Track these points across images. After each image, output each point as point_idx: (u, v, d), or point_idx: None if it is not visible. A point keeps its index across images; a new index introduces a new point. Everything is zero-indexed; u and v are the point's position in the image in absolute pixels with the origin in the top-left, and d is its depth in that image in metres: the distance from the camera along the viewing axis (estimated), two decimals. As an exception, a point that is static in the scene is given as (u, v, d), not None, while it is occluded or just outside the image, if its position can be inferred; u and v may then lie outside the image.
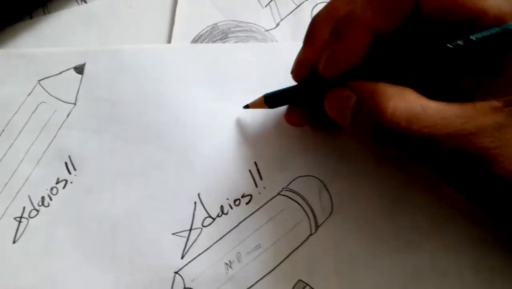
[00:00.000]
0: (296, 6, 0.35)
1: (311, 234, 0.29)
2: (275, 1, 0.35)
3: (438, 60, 0.23)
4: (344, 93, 0.24)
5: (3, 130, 0.29)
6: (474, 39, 0.22)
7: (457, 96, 0.22)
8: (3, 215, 0.28)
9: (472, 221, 0.29)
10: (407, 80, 0.23)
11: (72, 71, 0.31)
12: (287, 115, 0.30)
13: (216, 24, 0.33)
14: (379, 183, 0.30)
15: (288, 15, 0.35)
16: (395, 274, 0.29)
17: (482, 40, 0.22)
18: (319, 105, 0.27)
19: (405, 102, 0.22)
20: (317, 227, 0.30)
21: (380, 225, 0.30)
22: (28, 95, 0.30)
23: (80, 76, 0.30)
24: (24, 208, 0.28)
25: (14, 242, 0.28)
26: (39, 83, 0.30)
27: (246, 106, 0.30)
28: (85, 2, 0.33)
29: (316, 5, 0.35)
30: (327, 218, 0.30)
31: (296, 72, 0.28)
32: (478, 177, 0.21)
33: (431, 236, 0.29)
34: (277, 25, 0.34)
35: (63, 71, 0.31)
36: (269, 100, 0.29)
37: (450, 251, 0.29)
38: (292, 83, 0.29)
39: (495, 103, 0.21)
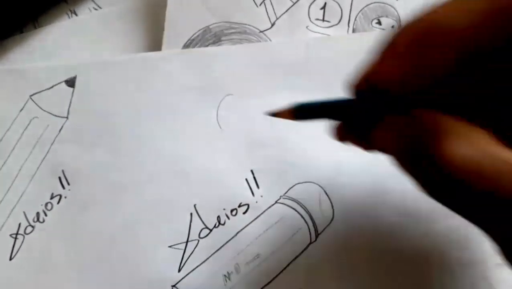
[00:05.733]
0: (293, 3, 0.33)
1: (311, 242, 0.29)
2: (270, -1, 0.33)
3: None
4: (403, 121, 0.19)
5: (-4, 147, 0.29)
6: None
7: None
8: (-1, 233, 0.28)
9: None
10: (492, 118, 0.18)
11: (63, 84, 0.30)
12: (339, 133, 0.23)
13: (208, 26, 0.32)
14: (385, 187, 0.29)
15: (284, 13, 0.33)
16: (404, 285, 0.28)
17: None
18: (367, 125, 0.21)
19: (475, 150, 0.17)
20: (317, 235, 0.29)
21: (386, 232, 0.29)
22: (20, 110, 0.30)
23: (71, 89, 0.30)
24: (19, 224, 0.28)
25: (10, 259, 0.28)
26: (31, 98, 0.30)
27: (273, 114, 0.23)
28: (76, 15, 0.33)
29: (314, 1, 0.33)
30: (327, 225, 0.29)
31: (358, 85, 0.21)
32: None
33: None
34: (273, 24, 0.33)
35: (54, 85, 0.30)
36: (300, 112, 0.22)
37: (462, 261, 0.28)
38: (303, 86, 0.28)
39: None
